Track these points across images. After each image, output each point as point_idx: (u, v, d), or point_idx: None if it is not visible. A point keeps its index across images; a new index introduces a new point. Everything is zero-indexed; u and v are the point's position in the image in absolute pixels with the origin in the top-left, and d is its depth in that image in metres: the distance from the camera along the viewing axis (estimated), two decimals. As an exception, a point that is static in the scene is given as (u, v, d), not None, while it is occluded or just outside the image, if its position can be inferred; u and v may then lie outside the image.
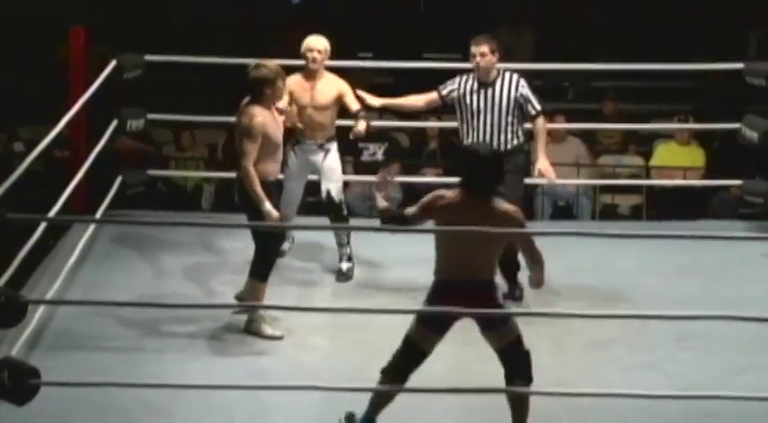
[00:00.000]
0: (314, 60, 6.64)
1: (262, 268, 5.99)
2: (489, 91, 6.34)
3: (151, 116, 7.62)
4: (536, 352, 5.74)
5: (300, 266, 6.89)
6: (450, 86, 6.43)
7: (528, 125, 6.49)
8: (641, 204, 8.84)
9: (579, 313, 5.98)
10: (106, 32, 8.63)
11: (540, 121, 6.41)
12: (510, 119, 6.36)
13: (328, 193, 6.72)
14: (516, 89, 6.35)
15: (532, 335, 5.88)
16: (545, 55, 10.16)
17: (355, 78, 10.50)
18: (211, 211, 8.60)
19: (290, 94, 6.58)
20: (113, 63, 7.29)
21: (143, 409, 5.29)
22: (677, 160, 8.88)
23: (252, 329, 6.00)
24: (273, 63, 6.02)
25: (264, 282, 5.99)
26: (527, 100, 6.36)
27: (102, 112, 7.41)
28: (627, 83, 9.87)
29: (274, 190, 6.08)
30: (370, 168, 8.83)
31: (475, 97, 6.34)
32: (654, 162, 9.03)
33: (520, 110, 6.37)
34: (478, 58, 6.28)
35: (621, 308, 6.29)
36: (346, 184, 8.85)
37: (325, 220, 6.79)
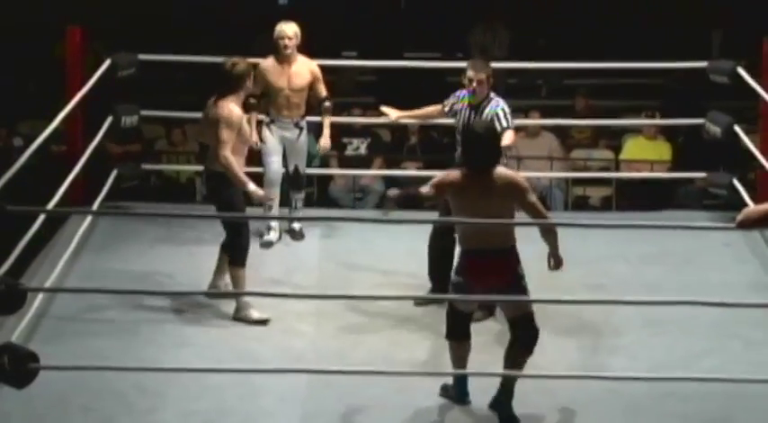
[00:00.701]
0: (285, 47, 6.78)
1: (239, 254, 6.02)
2: (477, 112, 6.21)
3: (144, 113, 7.60)
4: (510, 336, 5.78)
5: (286, 254, 6.89)
6: (452, 100, 6.40)
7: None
8: (611, 196, 8.86)
9: (551, 299, 6.00)
10: (102, 32, 8.60)
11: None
12: None
13: (296, 167, 6.99)
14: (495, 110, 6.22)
15: (506, 320, 5.92)
16: (519, 54, 10.17)
17: (340, 77, 10.56)
18: (204, 202, 8.59)
19: (266, 78, 6.76)
20: (108, 62, 7.27)
21: (138, 392, 5.29)
22: (645, 154, 8.91)
23: (240, 317, 6.01)
24: (245, 60, 6.09)
25: (244, 267, 6.01)
26: (497, 119, 6.14)
27: (97, 108, 7.40)
28: (597, 80, 9.88)
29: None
30: (354, 162, 8.84)
31: (466, 114, 6.25)
32: (623, 156, 9.06)
33: None
34: (475, 85, 6.12)
35: (592, 294, 6.32)
36: (331, 177, 8.89)
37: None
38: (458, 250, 5.25)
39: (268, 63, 6.80)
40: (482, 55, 10.37)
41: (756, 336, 5.90)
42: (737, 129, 7.31)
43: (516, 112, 9.62)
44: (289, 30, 6.81)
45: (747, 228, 4.48)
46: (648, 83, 10.00)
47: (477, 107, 6.16)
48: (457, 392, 5.26)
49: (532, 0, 10.96)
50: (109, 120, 7.37)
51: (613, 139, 9.48)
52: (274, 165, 6.90)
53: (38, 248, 6.61)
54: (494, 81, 6.23)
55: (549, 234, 5.20)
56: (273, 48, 6.81)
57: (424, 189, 5.17)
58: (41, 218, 6.22)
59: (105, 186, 7.33)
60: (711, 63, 7.49)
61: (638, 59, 8.05)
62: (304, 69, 6.85)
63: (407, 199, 5.45)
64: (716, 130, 7.35)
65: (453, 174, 5.15)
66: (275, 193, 6.82)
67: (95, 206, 7.15)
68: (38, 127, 7.12)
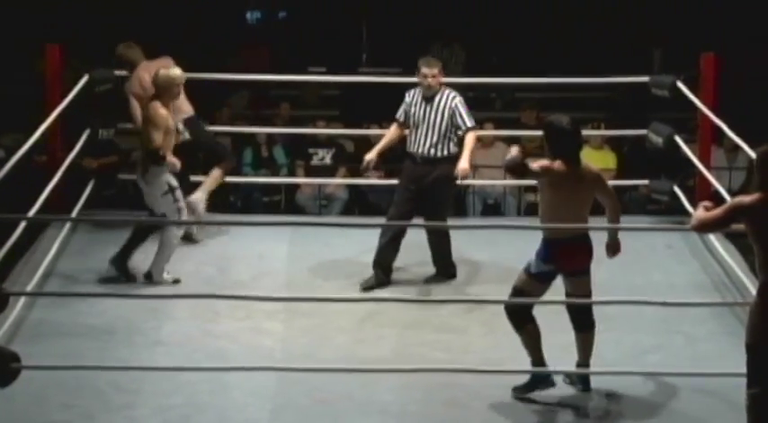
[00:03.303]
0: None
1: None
2: (429, 103, 6.43)
3: (121, 125, 7.52)
4: (469, 334, 5.77)
5: (255, 256, 6.83)
6: (403, 107, 6.53)
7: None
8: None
9: (505, 300, 5.99)
10: (80, 48, 8.51)
11: (470, 134, 6.42)
12: (444, 130, 6.40)
13: None
14: (450, 103, 6.42)
15: (466, 318, 5.91)
16: (474, 70, 10.18)
17: (305, 91, 10.53)
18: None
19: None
20: (86, 77, 7.20)
21: (114, 390, 5.22)
22: (592, 163, 8.89)
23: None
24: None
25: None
26: (458, 114, 6.42)
27: (76, 121, 7.32)
28: (546, 94, 9.90)
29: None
30: (319, 171, 8.79)
31: (420, 107, 6.42)
32: (571, 164, 9.07)
33: (451, 122, 6.42)
34: (430, 79, 6.39)
35: (546, 294, 6.29)
36: (298, 186, 8.83)
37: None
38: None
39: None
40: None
41: (698, 332, 5.91)
42: (678, 139, 7.34)
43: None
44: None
45: (701, 232, 4.99)
46: (594, 96, 10.04)
47: (430, 99, 6.40)
48: (542, 378, 5.25)
49: (486, 20, 10.99)
50: (87, 132, 7.29)
51: (562, 149, 9.47)
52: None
53: (20, 254, 6.53)
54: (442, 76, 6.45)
55: (616, 220, 5.33)
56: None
57: (535, 165, 5.07)
58: (23, 225, 6.14)
59: (84, 195, 7.25)
60: (653, 78, 7.53)
61: (585, 75, 8.07)
62: None
63: (518, 167, 5.09)
64: (658, 140, 7.37)
65: (557, 164, 5.10)
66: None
67: (75, 213, 7.06)
68: (19, 139, 7.04)
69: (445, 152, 6.43)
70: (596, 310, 5.98)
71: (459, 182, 6.45)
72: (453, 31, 10.76)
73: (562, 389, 5.29)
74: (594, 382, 5.32)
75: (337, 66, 10.02)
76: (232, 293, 6.08)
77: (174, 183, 6.29)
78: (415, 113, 6.44)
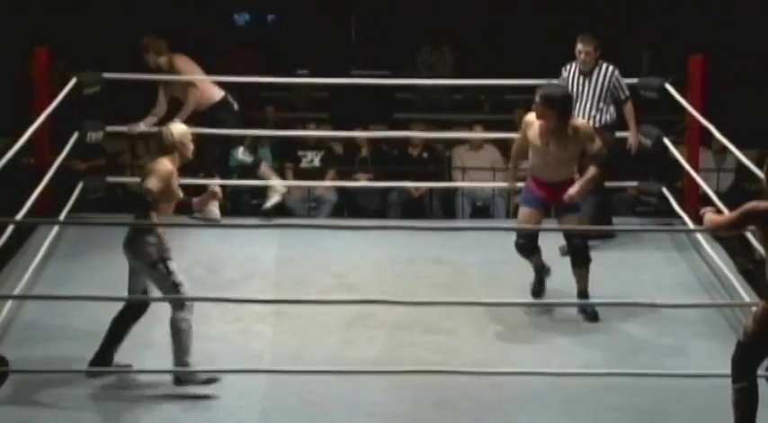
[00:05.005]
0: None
1: None
2: (587, 77, 6.95)
3: (109, 128, 7.53)
4: (457, 335, 5.79)
5: (245, 258, 6.84)
6: (560, 82, 6.91)
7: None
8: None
9: (497, 302, 6.02)
10: (68, 51, 8.52)
11: (630, 103, 7.04)
12: (601, 101, 6.96)
13: None
14: (610, 76, 6.96)
15: (455, 320, 5.93)
16: (463, 72, 10.20)
17: (294, 94, 10.55)
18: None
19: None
20: (74, 80, 7.20)
21: (103, 393, 5.22)
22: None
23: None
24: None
25: None
26: (618, 86, 6.98)
27: (64, 124, 7.32)
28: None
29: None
30: (308, 174, 8.81)
31: (577, 83, 6.95)
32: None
33: (611, 93, 6.96)
34: (584, 55, 6.91)
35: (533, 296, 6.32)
36: (287, 189, 8.84)
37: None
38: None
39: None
40: (429, 73, 10.42)
41: (686, 332, 5.94)
42: (666, 141, 7.37)
43: (460, 126, 9.71)
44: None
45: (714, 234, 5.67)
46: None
47: (588, 73, 6.95)
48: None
49: (474, 22, 11.01)
50: (75, 135, 7.29)
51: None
52: None
53: (8, 257, 6.52)
54: (601, 51, 6.94)
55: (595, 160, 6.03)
56: None
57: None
58: (11, 228, 6.13)
59: (72, 198, 7.25)
60: (641, 80, 7.55)
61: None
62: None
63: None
64: (646, 141, 7.39)
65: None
66: None
67: (63, 216, 7.06)
68: (7, 142, 7.02)
69: (603, 121, 6.91)
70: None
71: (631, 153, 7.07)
72: (443, 33, 10.78)
73: (552, 390, 5.31)
74: (583, 383, 5.34)
75: (326, 68, 10.04)
76: (222, 296, 6.09)
77: (166, 252, 5.29)
78: (572, 87, 6.87)
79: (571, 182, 5.99)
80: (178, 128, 5.48)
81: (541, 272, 6.19)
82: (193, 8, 10.85)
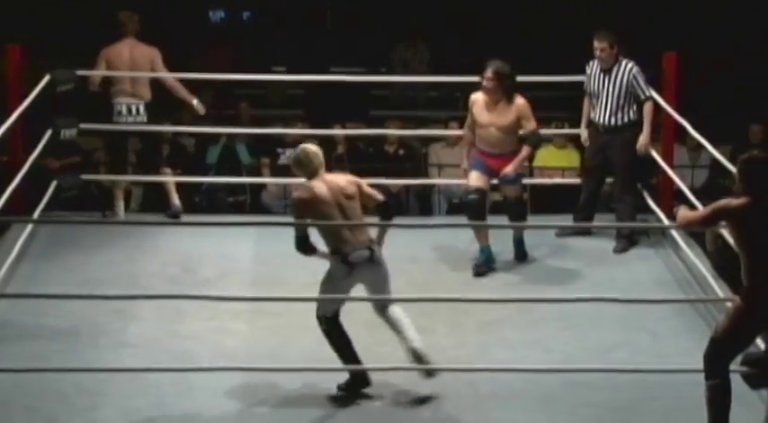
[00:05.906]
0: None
1: None
2: (607, 75, 6.93)
3: (83, 126, 7.49)
4: (434, 333, 5.80)
5: (221, 256, 6.83)
6: (585, 79, 7.06)
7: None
8: (525, 200, 8.91)
9: (471, 298, 6.03)
10: (42, 48, 8.46)
11: (648, 104, 6.93)
12: (622, 99, 6.93)
13: None
14: (629, 74, 6.91)
15: (431, 317, 5.94)
16: (438, 68, 10.20)
17: (270, 91, 10.51)
18: (140, 211, 8.48)
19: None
20: (47, 77, 7.17)
21: (79, 392, 5.21)
22: (556, 161, 8.98)
23: None
24: None
25: None
26: (637, 84, 6.92)
27: (37, 121, 7.28)
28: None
29: None
30: (285, 171, 8.78)
31: (597, 80, 6.96)
32: (536, 163, 9.11)
33: (630, 92, 6.91)
34: (599, 52, 6.90)
35: (508, 292, 6.35)
36: (263, 186, 8.82)
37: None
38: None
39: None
40: (405, 70, 10.43)
41: (661, 329, 5.97)
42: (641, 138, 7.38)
43: (436, 123, 9.70)
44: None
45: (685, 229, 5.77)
46: (558, 95, 10.07)
47: (608, 71, 6.93)
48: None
49: (450, 19, 11.02)
50: (49, 132, 7.25)
51: (526, 147, 9.50)
52: None
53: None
54: (618, 48, 6.90)
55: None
56: None
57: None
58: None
59: (46, 196, 7.21)
60: (616, 77, 7.56)
61: (549, 73, 8.10)
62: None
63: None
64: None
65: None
66: None
67: (36, 215, 7.02)
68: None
69: (625, 120, 6.93)
70: (558, 308, 6.05)
71: (639, 154, 6.97)
72: (418, 30, 10.78)
73: (528, 387, 5.33)
74: (559, 379, 5.36)
75: (302, 65, 10.02)
76: (197, 293, 6.07)
77: None
78: (594, 85, 6.95)
79: (512, 155, 6.49)
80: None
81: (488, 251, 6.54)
82: (168, 5, 10.80)
